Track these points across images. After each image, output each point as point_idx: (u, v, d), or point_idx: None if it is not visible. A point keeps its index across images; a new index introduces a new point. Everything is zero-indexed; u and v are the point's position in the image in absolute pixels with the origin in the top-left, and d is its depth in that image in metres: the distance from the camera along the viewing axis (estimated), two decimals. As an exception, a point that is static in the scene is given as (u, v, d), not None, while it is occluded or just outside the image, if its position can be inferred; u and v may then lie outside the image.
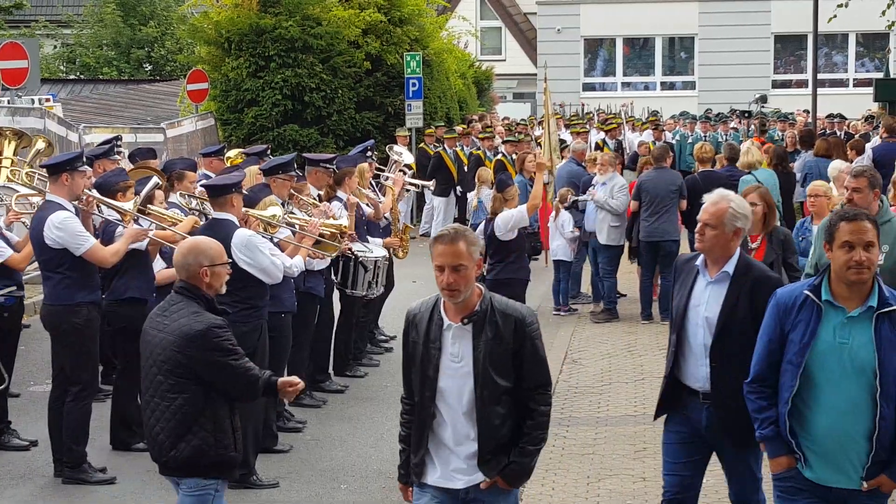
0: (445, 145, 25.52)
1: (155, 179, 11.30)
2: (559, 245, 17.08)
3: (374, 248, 13.49)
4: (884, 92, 21.12)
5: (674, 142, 29.32)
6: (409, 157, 17.72)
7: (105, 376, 12.58)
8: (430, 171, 24.89)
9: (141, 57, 44.36)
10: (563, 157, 24.19)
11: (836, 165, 13.74)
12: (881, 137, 17.86)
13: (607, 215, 16.56)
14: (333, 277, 12.99)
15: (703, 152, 16.90)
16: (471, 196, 20.22)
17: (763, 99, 30.50)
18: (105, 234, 10.76)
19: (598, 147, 25.68)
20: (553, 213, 17.04)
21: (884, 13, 23.79)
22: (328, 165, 13.47)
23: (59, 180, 10.13)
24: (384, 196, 14.77)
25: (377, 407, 12.59)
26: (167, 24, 43.91)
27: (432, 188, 22.45)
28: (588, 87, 46.62)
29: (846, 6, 23.64)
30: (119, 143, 15.68)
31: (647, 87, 46.83)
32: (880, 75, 39.23)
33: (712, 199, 7.19)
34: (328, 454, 11.08)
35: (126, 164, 14.11)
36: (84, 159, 10.75)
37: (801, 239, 11.41)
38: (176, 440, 7.04)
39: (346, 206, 13.23)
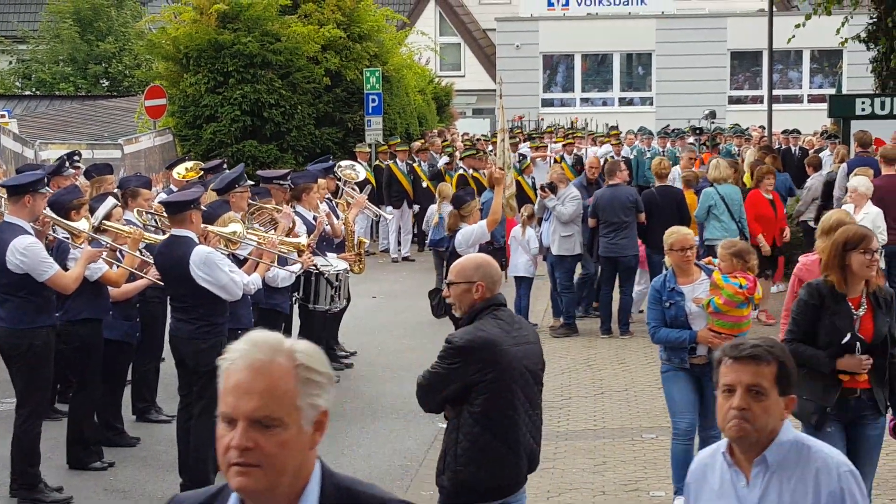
0: (398, 159, 25.54)
1: (113, 200, 11.23)
2: (522, 261, 17.09)
3: (333, 262, 13.50)
4: (837, 108, 21.26)
5: (631, 157, 29.47)
6: (362, 173, 17.73)
7: (62, 395, 12.52)
8: (383, 185, 24.95)
9: (98, 73, 44.11)
10: (523, 173, 24.29)
11: (858, 181, 13.65)
12: (856, 151, 18.03)
13: (558, 226, 16.64)
14: (296, 293, 12.98)
15: (661, 168, 17.01)
16: (431, 210, 20.24)
17: (713, 115, 30.68)
18: (59, 251, 10.68)
19: (556, 162, 25.76)
20: (520, 230, 17.07)
21: (838, 31, 24.00)
22: (282, 182, 13.44)
23: (21, 202, 9.96)
24: (341, 213, 14.79)
25: (337, 424, 12.54)
26: (125, 40, 43.68)
27: (389, 218, 22.48)
28: (547, 103, 46.76)
29: (803, 26, 23.87)
30: (77, 157, 15.59)
31: (605, 103, 47.01)
32: (833, 91, 39.59)
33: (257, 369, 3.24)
34: (288, 471, 11.01)
35: (83, 180, 14.05)
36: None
37: (668, 305, 9.36)
38: (540, 442, 7.02)
39: (313, 222, 13.26)
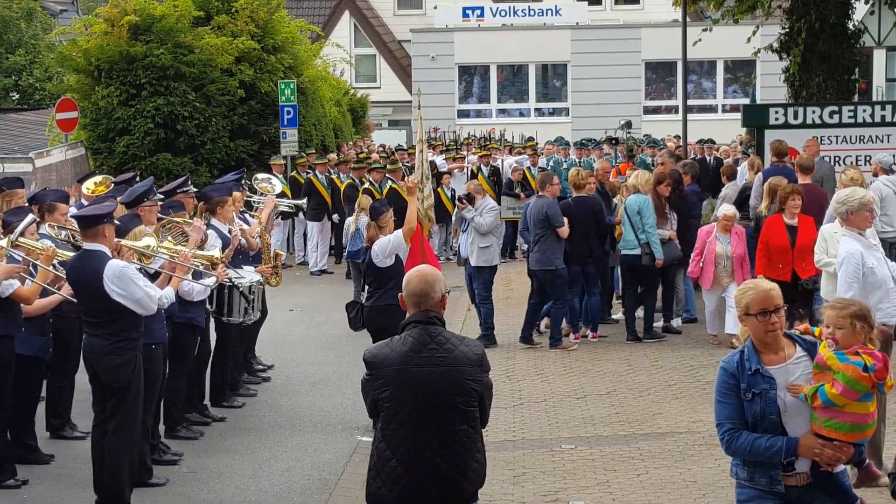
0: (317, 171, 25.43)
1: (32, 216, 11.04)
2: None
3: (246, 274, 13.42)
4: (751, 118, 21.45)
5: (548, 167, 29.52)
6: (279, 186, 17.61)
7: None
8: (301, 198, 24.83)
9: (8, 85, 43.52)
10: (442, 184, 24.28)
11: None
12: (771, 161, 18.13)
13: (476, 237, 16.65)
14: (208, 306, 12.86)
15: (580, 178, 16.93)
16: (348, 222, 20.18)
17: (628, 125, 30.85)
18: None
19: (472, 174, 25.78)
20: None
21: (749, 40, 24.31)
22: (185, 189, 13.31)
23: None
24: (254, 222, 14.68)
25: (255, 437, 12.44)
26: (35, 53, 43.13)
27: (304, 206, 22.34)
28: (463, 114, 46.84)
29: (710, 31, 24.20)
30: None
31: (521, 114, 47.19)
32: (747, 101, 40.04)
33: None
34: (205, 486, 10.89)
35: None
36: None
37: (750, 396, 6.32)
38: (465, 469, 6.73)
39: (228, 235, 13.14)
